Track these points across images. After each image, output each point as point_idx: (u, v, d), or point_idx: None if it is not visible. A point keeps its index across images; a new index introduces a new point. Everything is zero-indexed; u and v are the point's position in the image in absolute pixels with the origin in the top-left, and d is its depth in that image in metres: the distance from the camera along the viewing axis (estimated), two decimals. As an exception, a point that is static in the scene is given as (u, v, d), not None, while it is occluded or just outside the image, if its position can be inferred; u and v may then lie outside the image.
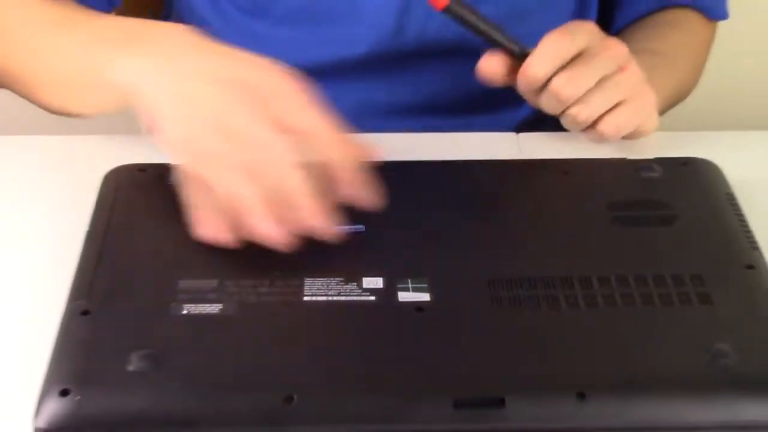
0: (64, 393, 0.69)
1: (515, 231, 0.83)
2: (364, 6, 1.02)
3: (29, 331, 0.76)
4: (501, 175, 0.91)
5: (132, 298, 0.76)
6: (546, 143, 0.99)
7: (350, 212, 0.83)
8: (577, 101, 0.91)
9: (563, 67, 0.90)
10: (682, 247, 0.81)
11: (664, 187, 0.87)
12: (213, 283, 0.76)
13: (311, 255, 0.79)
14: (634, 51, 1.03)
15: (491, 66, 0.92)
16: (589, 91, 0.91)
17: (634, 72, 0.92)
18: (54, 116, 0.93)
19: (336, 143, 0.79)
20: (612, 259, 0.80)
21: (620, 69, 0.92)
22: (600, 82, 0.91)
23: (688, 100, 1.17)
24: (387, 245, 0.80)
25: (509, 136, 0.99)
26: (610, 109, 0.92)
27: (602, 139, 0.93)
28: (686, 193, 0.87)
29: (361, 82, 1.08)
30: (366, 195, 0.79)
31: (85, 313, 0.75)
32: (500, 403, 0.69)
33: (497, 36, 0.92)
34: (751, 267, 0.79)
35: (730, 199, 0.86)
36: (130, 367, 0.70)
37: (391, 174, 0.89)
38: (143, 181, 0.88)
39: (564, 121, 0.93)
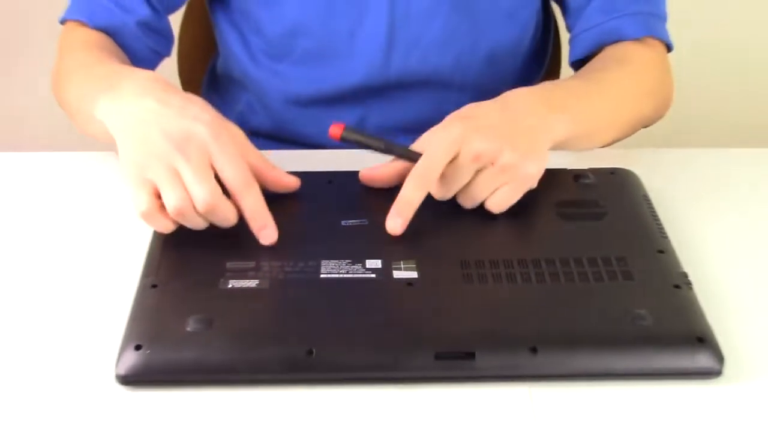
0: (137, 348, 0.69)
1: (482, 224, 0.83)
2: (358, 46, 1.02)
3: (111, 301, 0.76)
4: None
5: (190, 275, 0.76)
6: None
7: (356, 209, 0.83)
8: (460, 193, 0.82)
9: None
10: (610, 236, 0.81)
11: (597, 191, 0.87)
12: (252, 264, 0.76)
13: (326, 243, 0.79)
14: (576, 77, 0.99)
15: (370, 178, 0.86)
16: (469, 183, 0.81)
17: (504, 163, 0.80)
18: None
19: (241, 191, 0.77)
20: (556, 245, 0.79)
21: (490, 164, 0.80)
22: (477, 175, 0.81)
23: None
24: (384, 235, 0.80)
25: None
26: (493, 191, 0.81)
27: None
28: (613, 195, 0.86)
29: (358, 107, 1.07)
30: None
31: (153, 286, 0.74)
32: (471, 356, 0.69)
33: (388, 147, 0.85)
34: (661, 251, 0.79)
35: (646, 200, 0.86)
36: (188, 328, 0.70)
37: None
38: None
39: None
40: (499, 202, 0.82)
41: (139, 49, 1.02)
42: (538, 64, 1.14)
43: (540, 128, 0.86)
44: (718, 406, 0.68)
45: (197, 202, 0.75)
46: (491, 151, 0.80)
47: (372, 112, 1.05)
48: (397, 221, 0.79)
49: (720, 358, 0.69)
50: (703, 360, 0.69)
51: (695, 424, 0.67)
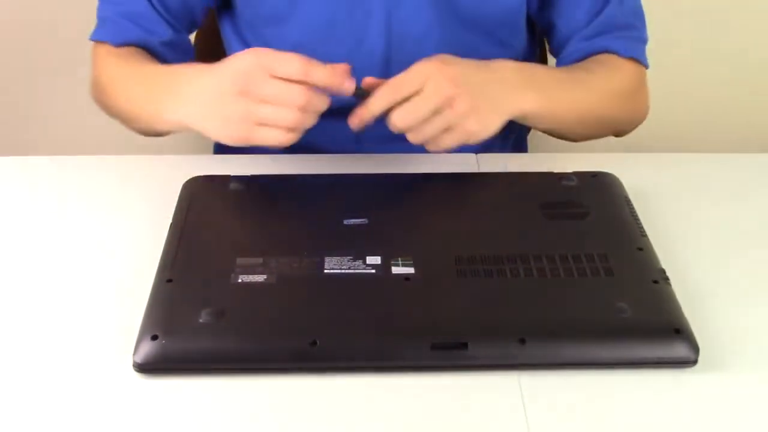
0: (154, 338, 0.69)
1: (474, 223, 0.83)
2: (356, 68, 1.01)
3: (130, 294, 0.75)
4: (464, 184, 0.90)
5: (203, 270, 0.76)
6: (497, 161, 0.98)
7: (357, 209, 0.83)
8: (412, 129, 0.85)
9: (402, 103, 0.84)
10: (593, 235, 0.81)
11: (580, 192, 0.86)
12: (260, 260, 0.76)
13: (330, 241, 0.78)
14: (557, 68, 1.01)
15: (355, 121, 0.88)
16: (422, 121, 0.84)
17: (461, 110, 0.84)
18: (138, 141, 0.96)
19: (306, 72, 0.82)
20: (543, 243, 0.79)
21: (449, 106, 0.84)
22: (432, 115, 0.84)
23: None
24: (384, 233, 0.80)
25: (470, 156, 0.98)
26: (438, 134, 0.85)
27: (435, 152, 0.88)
28: (595, 196, 0.86)
29: None
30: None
31: (169, 281, 0.74)
32: (464, 346, 0.68)
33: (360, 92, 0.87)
34: (640, 249, 0.79)
35: (627, 202, 0.85)
36: (201, 320, 0.70)
37: (386, 183, 0.89)
38: (211, 187, 0.87)
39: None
40: (436, 145, 0.86)
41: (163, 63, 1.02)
42: None
43: (505, 98, 0.89)
44: (693, 393, 0.68)
45: (294, 102, 0.81)
46: (450, 93, 0.84)
47: (372, 124, 1.05)
48: (354, 120, 0.86)
49: (695, 348, 0.69)
50: (679, 350, 0.69)
51: (672, 409, 0.67)
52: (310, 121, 0.84)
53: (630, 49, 1.02)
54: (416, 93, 0.84)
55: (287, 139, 0.83)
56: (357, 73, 1.02)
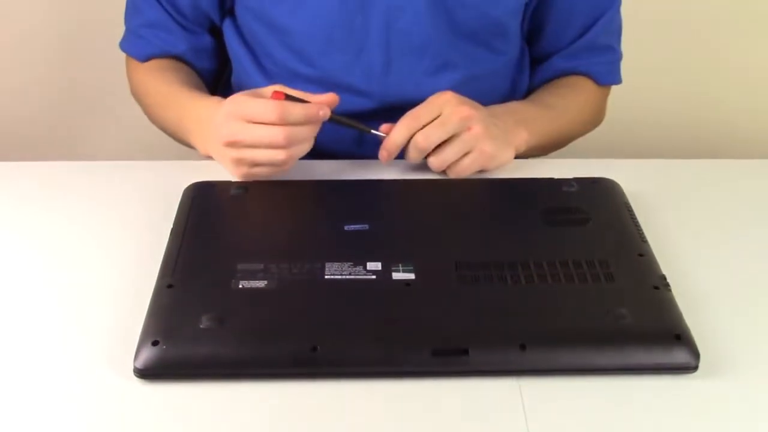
0: (154, 343, 0.69)
1: (475, 229, 0.83)
2: (356, 77, 1.02)
3: (131, 300, 0.75)
4: (465, 189, 0.90)
5: (203, 276, 0.76)
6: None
7: (358, 215, 0.83)
8: (432, 153, 0.91)
9: (423, 128, 0.90)
10: (593, 241, 0.81)
11: (580, 198, 0.86)
12: (261, 265, 0.76)
13: (330, 247, 0.78)
14: (535, 100, 1.06)
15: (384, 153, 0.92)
16: (441, 145, 0.90)
17: (477, 131, 0.90)
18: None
19: (279, 116, 0.85)
20: (544, 249, 0.79)
21: (467, 129, 0.89)
22: (450, 139, 0.90)
23: (598, 137, 1.15)
24: (384, 239, 0.80)
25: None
26: (459, 159, 0.90)
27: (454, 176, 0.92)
28: (596, 202, 0.86)
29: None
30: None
31: (170, 286, 0.74)
32: (465, 352, 0.68)
33: (363, 127, 0.93)
34: (641, 255, 0.79)
35: (627, 207, 0.85)
36: (201, 325, 0.70)
37: (387, 189, 0.89)
38: (212, 193, 0.87)
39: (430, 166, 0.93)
40: (457, 169, 0.91)
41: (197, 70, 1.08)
42: (521, 72, 1.14)
43: (510, 132, 0.95)
44: (694, 399, 0.68)
45: (277, 144, 0.85)
46: (466, 114, 0.90)
47: (375, 130, 1.05)
48: (383, 154, 0.92)
49: (696, 354, 0.69)
50: (680, 356, 0.69)
51: (673, 415, 0.67)
52: (299, 151, 0.88)
53: (607, 75, 1.09)
54: (434, 119, 0.90)
55: (282, 171, 0.89)
56: (357, 86, 1.02)
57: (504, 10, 1.02)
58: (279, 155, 0.86)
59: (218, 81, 1.13)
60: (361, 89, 1.02)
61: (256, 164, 0.87)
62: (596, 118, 1.13)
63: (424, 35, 1.00)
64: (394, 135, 0.91)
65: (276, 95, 0.86)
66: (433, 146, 0.90)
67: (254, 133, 0.85)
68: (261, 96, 0.88)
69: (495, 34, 1.05)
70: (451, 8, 0.99)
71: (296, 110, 0.86)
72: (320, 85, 1.02)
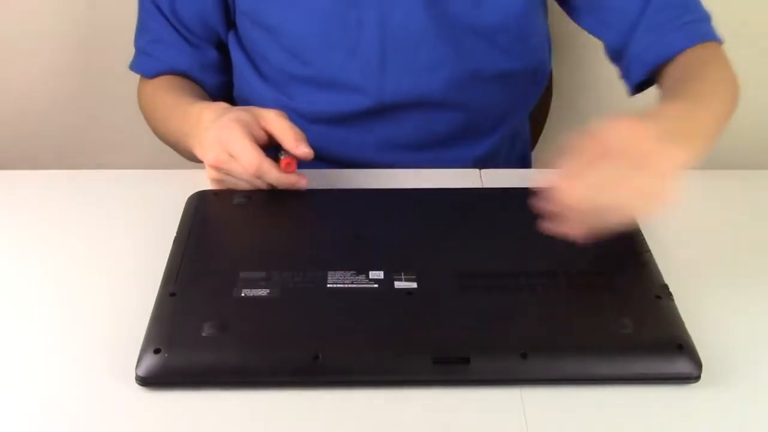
0: (156, 351, 0.69)
1: (477, 238, 0.83)
2: (353, 75, 1.01)
3: (134, 308, 0.76)
4: (467, 199, 0.90)
5: (206, 284, 0.76)
6: (500, 177, 0.98)
7: (360, 224, 0.83)
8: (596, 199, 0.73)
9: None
10: (595, 250, 0.80)
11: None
12: (263, 274, 0.76)
13: (332, 255, 0.79)
14: (675, 96, 0.90)
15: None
16: (604, 184, 0.72)
17: (644, 148, 0.72)
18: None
19: (257, 174, 0.86)
20: (545, 259, 0.79)
21: (644, 168, 0.72)
22: (617, 180, 0.71)
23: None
24: (386, 248, 0.80)
25: (474, 171, 0.99)
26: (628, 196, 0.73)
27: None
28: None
29: (359, 126, 1.06)
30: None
31: (172, 294, 0.74)
32: (467, 361, 0.68)
33: None
34: (643, 264, 0.78)
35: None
36: (204, 334, 0.70)
37: (389, 198, 0.89)
38: (215, 201, 0.88)
39: None
40: (636, 205, 0.73)
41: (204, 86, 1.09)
42: (534, 83, 1.13)
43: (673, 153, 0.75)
44: (696, 409, 0.68)
45: (253, 182, 0.87)
46: (633, 135, 0.72)
47: (373, 130, 1.05)
48: (552, 226, 0.73)
49: (698, 364, 0.69)
50: (682, 366, 0.69)
51: (675, 425, 0.66)
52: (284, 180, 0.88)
53: (696, 36, 0.97)
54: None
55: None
56: (353, 84, 1.02)
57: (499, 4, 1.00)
58: (255, 184, 0.88)
59: (225, 95, 1.13)
60: (357, 87, 1.02)
61: (236, 185, 0.89)
62: (735, 83, 0.95)
63: (419, 28, 0.99)
64: (566, 196, 0.71)
65: (285, 164, 0.87)
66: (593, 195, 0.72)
67: (235, 168, 0.86)
68: (257, 117, 0.88)
69: (498, 29, 1.02)
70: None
71: (272, 175, 0.86)
72: (316, 85, 1.02)
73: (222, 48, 1.09)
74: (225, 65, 1.10)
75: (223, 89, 1.12)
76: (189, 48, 1.06)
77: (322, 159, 0.98)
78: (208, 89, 1.08)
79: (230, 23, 1.08)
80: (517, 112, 1.13)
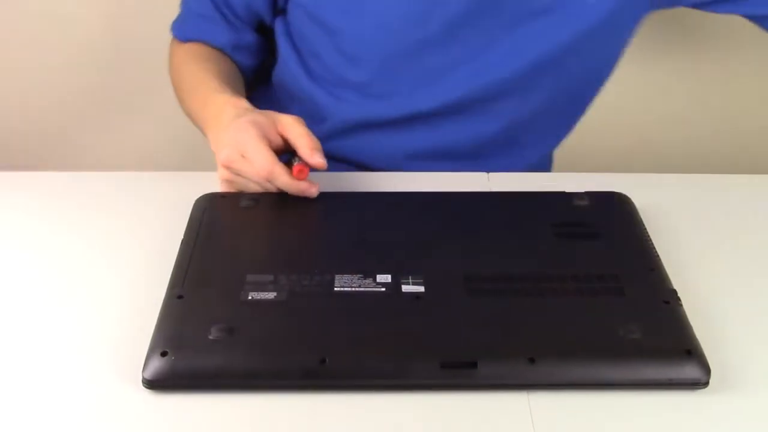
0: (163, 354, 0.69)
1: (485, 242, 0.82)
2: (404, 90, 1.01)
3: (141, 310, 0.76)
4: (475, 202, 0.90)
5: (213, 287, 0.76)
6: (509, 180, 0.98)
7: (369, 228, 0.83)
8: None
9: None
10: (604, 255, 0.80)
11: (591, 212, 0.86)
12: (270, 277, 0.76)
13: (340, 259, 0.79)
14: None
15: None
16: None
17: None
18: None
19: (269, 179, 0.86)
20: (554, 263, 0.79)
21: None
22: None
23: (610, 150, 1.14)
24: (394, 252, 0.80)
25: (482, 175, 0.99)
26: None
27: None
28: (607, 216, 0.86)
29: (403, 132, 1.05)
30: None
31: (179, 297, 0.74)
32: (474, 365, 0.68)
33: None
34: (652, 269, 0.78)
35: (639, 222, 0.85)
36: (211, 336, 0.70)
37: (397, 201, 0.89)
38: (223, 204, 0.88)
39: None
40: None
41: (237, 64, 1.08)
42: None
43: None
44: (704, 415, 0.67)
45: (264, 185, 0.87)
46: None
47: (417, 137, 1.04)
48: None
49: (707, 369, 0.69)
50: (690, 371, 0.69)
51: (682, 431, 0.66)
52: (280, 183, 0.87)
53: None
54: None
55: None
56: (404, 90, 0.99)
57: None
58: (264, 186, 0.87)
59: (259, 77, 1.12)
60: (411, 96, 1.00)
61: (245, 188, 0.88)
62: None
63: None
64: None
65: (297, 170, 0.86)
66: None
67: (247, 169, 0.86)
68: (275, 122, 0.88)
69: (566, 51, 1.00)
70: None
71: (282, 180, 0.86)
72: (367, 95, 1.01)
73: (262, 31, 1.08)
74: (262, 48, 1.09)
75: (256, 72, 1.10)
76: (227, 26, 1.05)
77: (352, 163, 0.97)
78: (241, 69, 1.08)
79: (277, 10, 1.06)
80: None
